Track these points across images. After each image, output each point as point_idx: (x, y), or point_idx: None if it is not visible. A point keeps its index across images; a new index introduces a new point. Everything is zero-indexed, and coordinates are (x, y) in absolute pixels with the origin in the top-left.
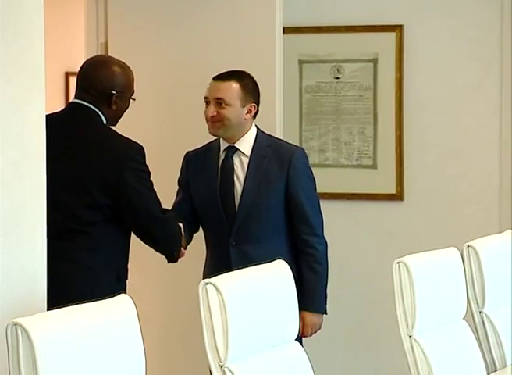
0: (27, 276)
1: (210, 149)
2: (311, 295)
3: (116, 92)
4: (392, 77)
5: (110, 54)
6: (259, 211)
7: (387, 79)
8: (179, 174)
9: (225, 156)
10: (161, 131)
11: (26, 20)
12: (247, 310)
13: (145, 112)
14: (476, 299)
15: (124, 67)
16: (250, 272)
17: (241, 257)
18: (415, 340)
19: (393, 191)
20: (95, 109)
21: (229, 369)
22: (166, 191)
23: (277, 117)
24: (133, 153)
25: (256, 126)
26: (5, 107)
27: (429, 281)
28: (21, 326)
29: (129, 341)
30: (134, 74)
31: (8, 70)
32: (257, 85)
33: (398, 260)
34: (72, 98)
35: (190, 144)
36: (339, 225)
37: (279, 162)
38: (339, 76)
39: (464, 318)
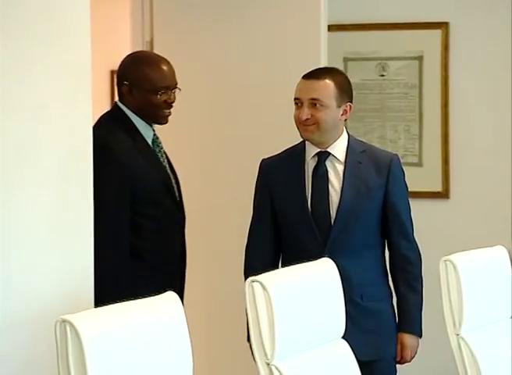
0: (75, 273)
1: (292, 156)
2: (412, 316)
3: (129, 83)
4: (438, 75)
5: (155, 52)
6: (358, 221)
7: (432, 76)
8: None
9: (318, 162)
10: (206, 132)
11: (72, 19)
12: (293, 308)
13: (189, 111)
14: None
15: (141, 59)
16: (296, 270)
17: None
18: (462, 338)
19: (439, 189)
20: (118, 103)
21: (275, 367)
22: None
23: None
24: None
25: (347, 130)
26: (52, 105)
27: (476, 279)
28: (69, 322)
29: (176, 337)
30: (179, 71)
31: (54, 68)
32: (350, 83)
33: (445, 258)
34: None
35: (239, 147)
36: None
37: (377, 168)
38: (384, 73)
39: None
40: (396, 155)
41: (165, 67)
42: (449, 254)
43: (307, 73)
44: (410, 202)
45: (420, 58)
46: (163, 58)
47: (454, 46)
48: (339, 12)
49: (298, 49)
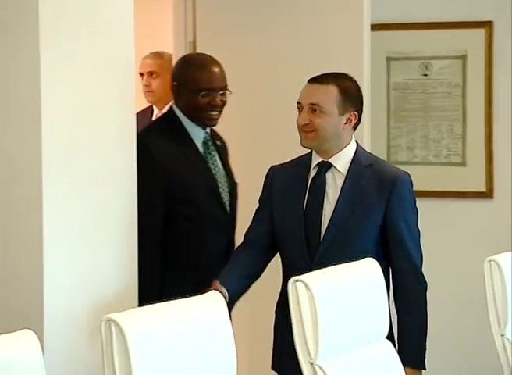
0: (119, 272)
1: (299, 164)
2: (410, 347)
3: (177, 83)
4: (482, 74)
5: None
6: (351, 238)
7: (476, 76)
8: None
9: (317, 172)
10: (247, 135)
11: (116, 20)
12: (336, 307)
13: (232, 112)
14: None
15: (189, 60)
16: (339, 269)
17: None
18: (507, 339)
19: (483, 189)
20: (172, 105)
21: (319, 367)
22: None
23: (365, 114)
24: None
25: (356, 141)
26: (96, 106)
27: None
28: (115, 321)
29: (220, 336)
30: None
31: (98, 69)
32: (360, 91)
33: (489, 259)
34: None
35: (280, 152)
36: (426, 223)
37: (380, 185)
38: (427, 73)
39: None
40: (407, 173)
41: (211, 69)
42: (494, 254)
43: (313, 77)
44: (454, 202)
45: (463, 58)
46: (213, 60)
47: (498, 45)
48: (382, 12)
49: (341, 49)
